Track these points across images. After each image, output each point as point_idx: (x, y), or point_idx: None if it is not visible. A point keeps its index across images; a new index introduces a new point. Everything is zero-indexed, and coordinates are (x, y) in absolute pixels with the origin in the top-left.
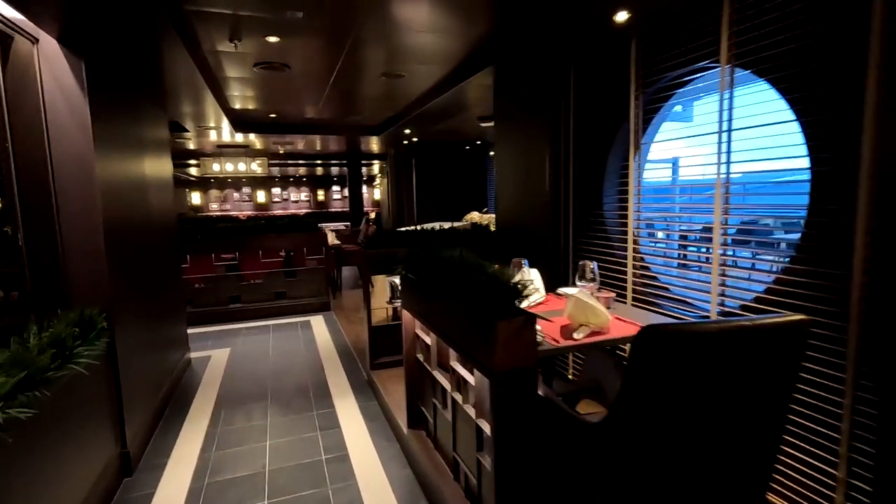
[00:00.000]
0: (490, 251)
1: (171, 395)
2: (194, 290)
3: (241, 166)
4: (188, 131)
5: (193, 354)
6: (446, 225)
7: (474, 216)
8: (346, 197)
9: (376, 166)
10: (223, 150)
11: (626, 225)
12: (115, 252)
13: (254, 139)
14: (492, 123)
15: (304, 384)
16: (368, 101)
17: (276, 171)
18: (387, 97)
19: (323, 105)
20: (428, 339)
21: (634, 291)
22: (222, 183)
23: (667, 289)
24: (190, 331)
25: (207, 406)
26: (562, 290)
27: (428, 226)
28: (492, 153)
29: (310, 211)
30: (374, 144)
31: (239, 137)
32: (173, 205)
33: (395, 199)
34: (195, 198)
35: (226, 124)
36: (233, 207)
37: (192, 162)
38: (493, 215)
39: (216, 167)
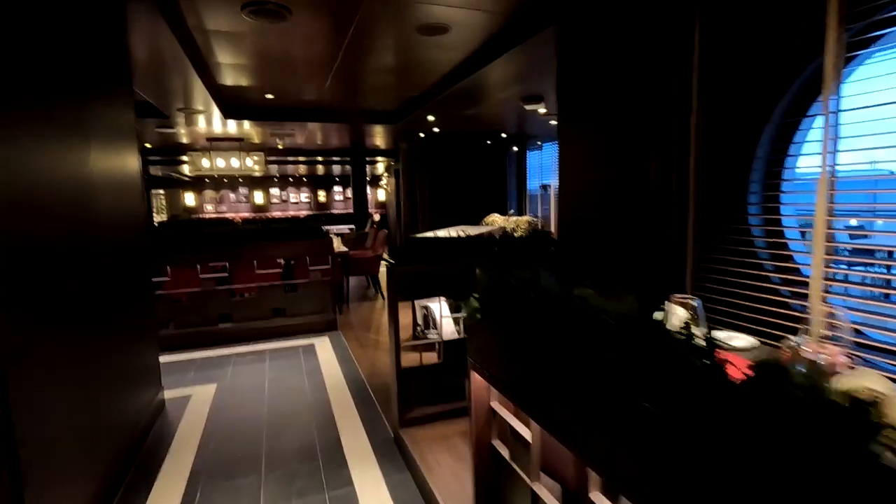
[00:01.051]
0: (550, 266)
1: (132, 459)
2: (176, 308)
3: (235, 162)
4: (167, 117)
5: (169, 394)
6: (471, 231)
7: (496, 219)
8: (348, 198)
9: (381, 165)
10: (215, 144)
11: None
12: (16, 281)
13: (249, 129)
14: (538, 106)
15: (311, 445)
16: (391, 76)
17: (274, 169)
18: (415, 67)
19: (332, 82)
20: (521, 428)
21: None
22: (217, 183)
23: (860, 332)
24: (170, 358)
25: (179, 479)
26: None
27: (453, 231)
28: (515, 148)
29: (310, 213)
30: (381, 139)
31: (232, 127)
32: (141, 208)
33: (406, 199)
34: (189, 199)
35: (215, 110)
36: (229, 209)
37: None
38: (523, 218)
39: (206, 163)
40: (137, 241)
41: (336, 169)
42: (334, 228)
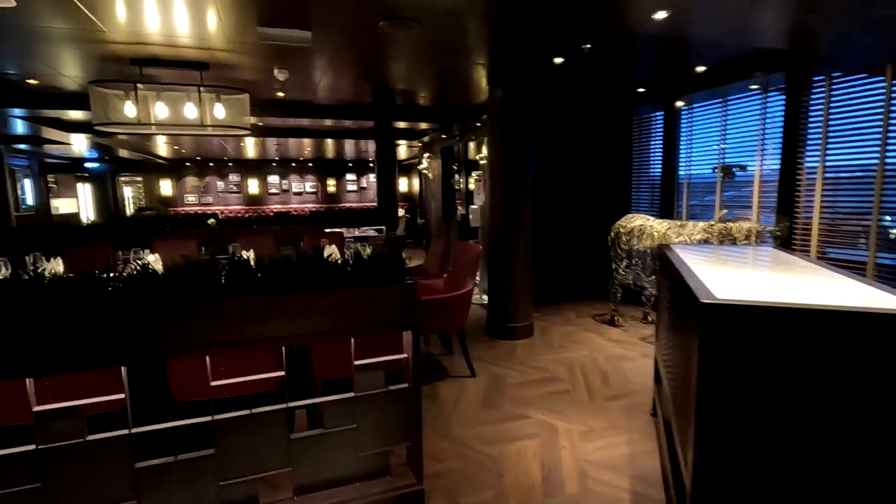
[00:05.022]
0: None
1: None
2: None
3: (192, 110)
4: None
5: None
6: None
7: (653, 226)
8: (363, 188)
9: (402, 148)
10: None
11: None
12: None
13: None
14: None
15: None
16: None
17: (272, 149)
18: None
19: None
20: None
21: None
22: (201, 167)
23: None
24: None
25: None
26: None
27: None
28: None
29: (318, 207)
30: (425, 90)
31: (183, 30)
32: None
33: (501, 183)
34: (165, 187)
35: None
36: (216, 200)
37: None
38: (743, 226)
39: (130, 109)
40: None
41: (348, 149)
42: (356, 231)
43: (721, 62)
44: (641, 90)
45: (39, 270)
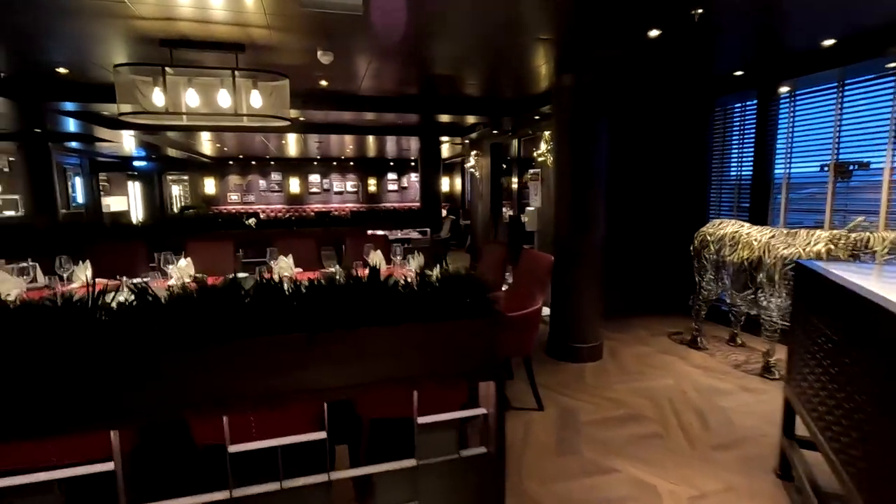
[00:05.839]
0: None
1: None
2: None
3: (225, 98)
4: None
5: None
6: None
7: (751, 234)
8: (404, 188)
9: (445, 146)
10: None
11: None
12: None
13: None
14: None
15: None
16: None
17: (313, 147)
18: None
19: None
20: None
21: None
22: (244, 165)
23: None
24: None
25: None
26: None
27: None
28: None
29: (358, 207)
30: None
31: (218, 7)
32: None
33: (569, 182)
34: (209, 185)
35: None
36: (257, 199)
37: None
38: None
39: (158, 98)
40: None
41: (390, 147)
42: (399, 232)
43: (845, 36)
44: (734, 75)
45: (66, 276)
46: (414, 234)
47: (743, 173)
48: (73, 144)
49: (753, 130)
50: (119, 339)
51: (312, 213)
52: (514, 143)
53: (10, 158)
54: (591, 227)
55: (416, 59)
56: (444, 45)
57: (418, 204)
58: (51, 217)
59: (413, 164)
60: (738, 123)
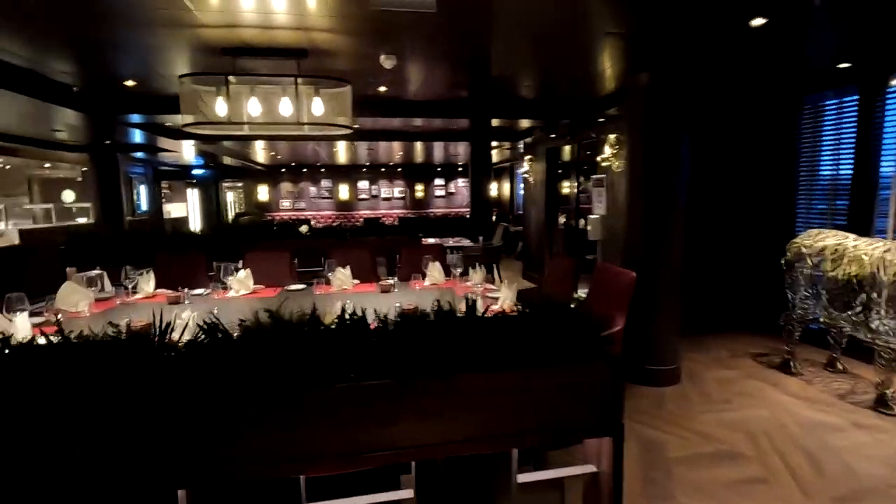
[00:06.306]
0: None
1: None
2: None
3: (287, 106)
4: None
5: None
6: None
7: (858, 247)
8: (451, 193)
9: (494, 152)
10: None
11: None
12: None
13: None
14: None
15: None
16: None
17: (364, 151)
18: None
19: None
20: None
21: None
22: (295, 172)
23: None
24: None
25: None
26: None
27: None
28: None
29: (405, 213)
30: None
31: (280, 14)
32: None
33: (642, 189)
34: (262, 192)
35: None
36: (308, 206)
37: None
38: None
39: (221, 107)
40: None
41: (437, 153)
42: (450, 240)
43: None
44: (837, 67)
45: (131, 287)
46: (465, 242)
47: (840, 176)
48: (139, 154)
49: (854, 128)
50: (185, 383)
51: (361, 220)
52: (572, 147)
53: (83, 169)
54: (668, 240)
55: (475, 59)
56: (505, 44)
57: (465, 210)
58: (117, 224)
59: (460, 169)
60: (833, 121)
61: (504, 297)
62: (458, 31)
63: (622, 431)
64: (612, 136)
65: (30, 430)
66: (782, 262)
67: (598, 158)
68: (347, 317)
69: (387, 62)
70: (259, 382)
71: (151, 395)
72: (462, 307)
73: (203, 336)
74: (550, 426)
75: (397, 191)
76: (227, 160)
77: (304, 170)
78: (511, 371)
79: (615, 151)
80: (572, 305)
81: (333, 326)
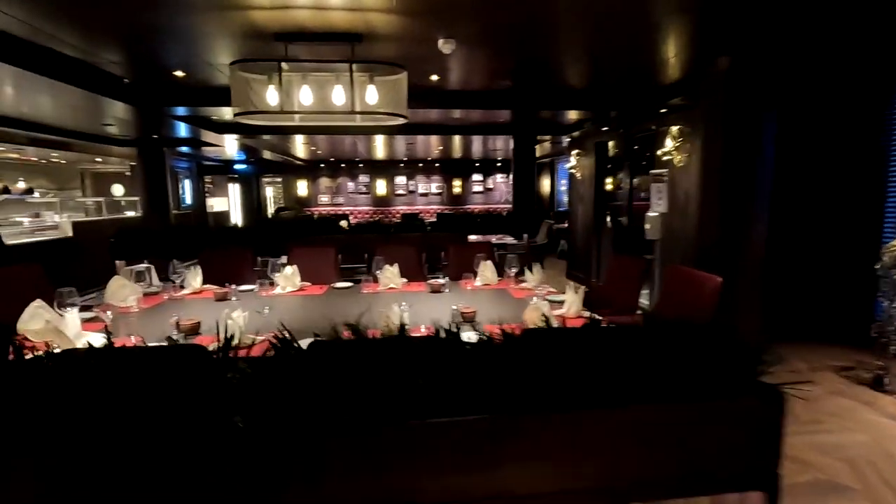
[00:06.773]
0: None
1: None
2: None
3: (340, 95)
4: None
5: None
6: None
7: None
8: (489, 189)
9: (536, 146)
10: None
11: None
12: None
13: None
14: None
15: None
16: None
17: (403, 146)
18: None
19: None
20: None
21: None
22: (334, 168)
23: None
24: None
25: None
26: None
27: None
28: None
29: (443, 209)
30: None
31: None
32: None
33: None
34: (301, 187)
35: None
36: (346, 201)
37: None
38: None
39: (273, 96)
40: None
41: (476, 147)
42: (493, 238)
43: None
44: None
45: (178, 282)
46: (508, 240)
47: None
48: (183, 149)
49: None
50: (253, 409)
51: (399, 216)
52: (625, 140)
53: (132, 163)
54: (747, 243)
55: (529, 44)
56: (564, 28)
57: (504, 206)
58: (163, 217)
59: (499, 164)
60: None
61: (570, 303)
62: (517, 9)
63: (778, 484)
64: (674, 129)
65: (58, 464)
66: (876, 267)
67: (659, 152)
68: (442, 332)
69: (445, 47)
70: (340, 412)
71: (208, 425)
72: (531, 316)
73: (273, 351)
74: (688, 474)
75: (434, 186)
76: (268, 155)
77: (343, 165)
78: (641, 405)
79: (678, 144)
80: (707, 327)
81: (421, 341)
